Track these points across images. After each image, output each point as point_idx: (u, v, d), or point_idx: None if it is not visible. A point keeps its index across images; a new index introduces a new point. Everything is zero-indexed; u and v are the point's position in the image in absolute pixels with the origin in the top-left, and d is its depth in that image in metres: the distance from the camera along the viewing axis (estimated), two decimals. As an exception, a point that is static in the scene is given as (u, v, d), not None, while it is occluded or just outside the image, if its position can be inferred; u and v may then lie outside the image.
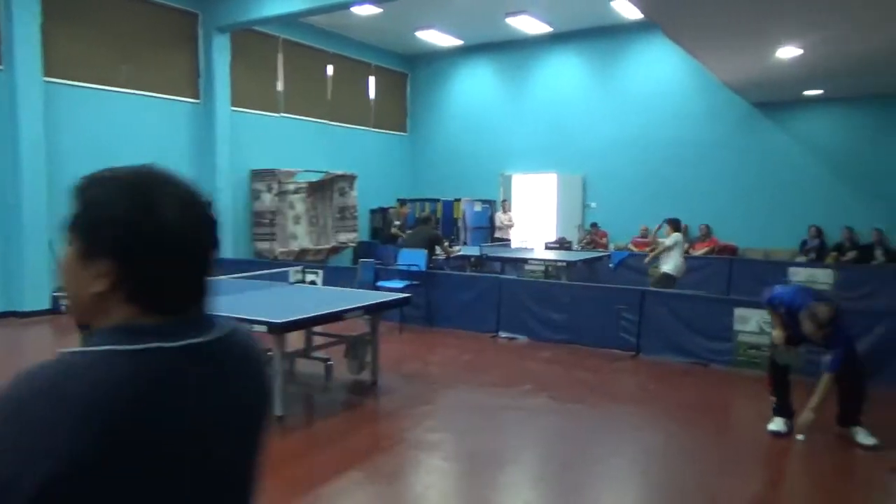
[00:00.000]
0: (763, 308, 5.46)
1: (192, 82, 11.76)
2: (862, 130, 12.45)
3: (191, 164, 11.40)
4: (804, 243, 12.29)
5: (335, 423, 5.15)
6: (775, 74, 9.99)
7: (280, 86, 13.51)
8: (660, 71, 13.72)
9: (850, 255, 11.60)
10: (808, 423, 4.54)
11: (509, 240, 14.08)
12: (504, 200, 14.92)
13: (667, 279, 8.46)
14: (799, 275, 9.77)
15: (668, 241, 8.59)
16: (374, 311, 5.85)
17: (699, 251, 12.68)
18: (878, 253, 11.35)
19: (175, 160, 10.80)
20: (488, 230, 14.86)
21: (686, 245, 12.97)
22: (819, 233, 12.18)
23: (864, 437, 4.58)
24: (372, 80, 15.95)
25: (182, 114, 11.60)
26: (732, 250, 12.79)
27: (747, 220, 13.08)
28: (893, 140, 12.10)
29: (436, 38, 14.77)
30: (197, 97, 11.81)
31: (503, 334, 8.05)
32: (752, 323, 6.55)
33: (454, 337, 8.09)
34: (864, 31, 7.46)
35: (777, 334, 4.89)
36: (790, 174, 12.85)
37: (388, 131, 16.52)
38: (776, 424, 4.84)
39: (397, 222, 12.90)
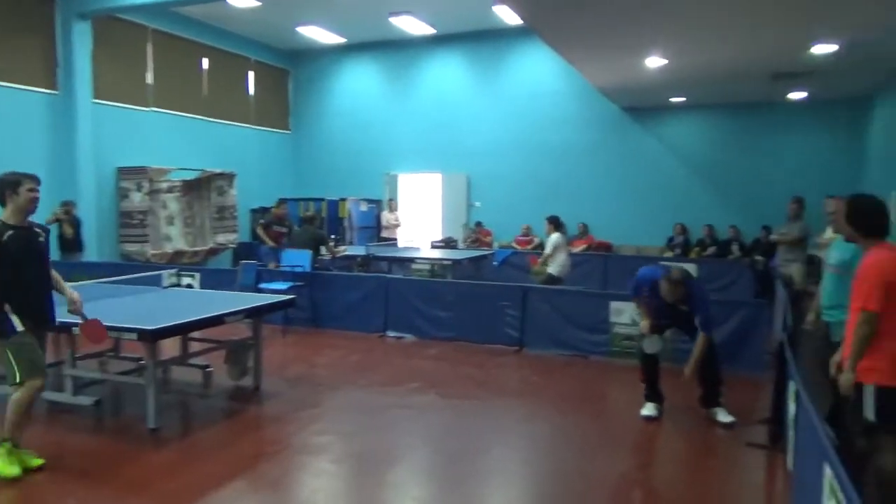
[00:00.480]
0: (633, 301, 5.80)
1: (48, 72, 10.79)
2: (720, 135, 13.60)
3: (48, 160, 10.47)
4: (671, 239, 13.24)
5: (215, 432, 4.89)
6: (644, 82, 10.66)
7: (150, 78, 12.71)
8: (540, 76, 14.24)
9: (711, 250, 12.64)
10: (690, 374, 4.97)
11: (396, 239, 14.08)
12: (390, 200, 14.90)
13: (552, 280, 8.73)
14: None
15: (548, 249, 8.76)
16: (256, 314, 5.62)
17: (577, 248, 13.31)
18: (735, 248, 12.44)
19: (29, 155, 9.87)
20: (375, 230, 14.78)
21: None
22: (684, 230, 13.17)
23: (723, 416, 5.03)
24: (252, 75, 15.38)
25: (37, 105, 10.62)
26: (607, 247, 13.55)
27: (620, 218, 13.89)
28: (747, 144, 13.32)
29: (318, 34, 14.49)
30: (54, 88, 10.85)
31: (391, 334, 8.02)
32: (625, 315, 6.94)
33: (341, 338, 7.96)
34: (719, 44, 8.14)
35: (644, 324, 5.22)
36: (658, 176, 13.79)
37: (269, 129, 15.99)
38: (648, 409, 5.18)
39: (262, 221, 11.14)
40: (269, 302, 5.91)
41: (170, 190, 12.31)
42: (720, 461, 4.50)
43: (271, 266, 9.07)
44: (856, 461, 3.36)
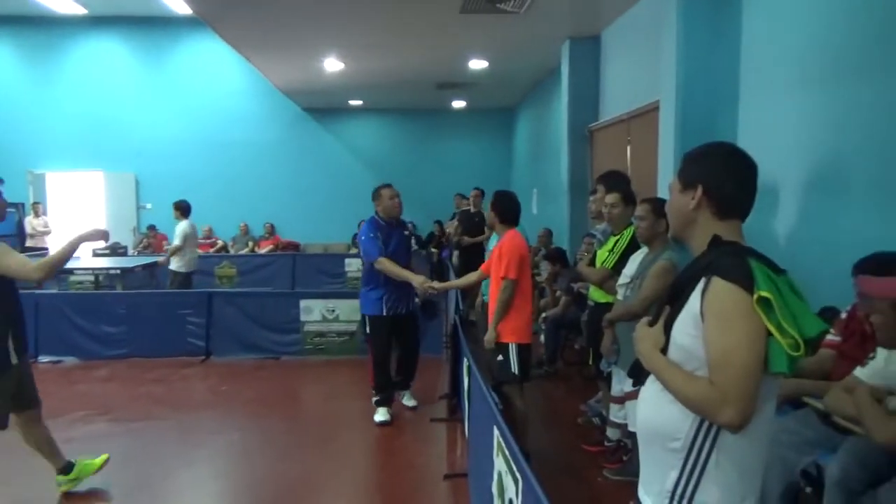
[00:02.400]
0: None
1: None
2: (396, 137, 14.60)
3: None
4: (355, 237, 13.73)
5: None
6: (323, 84, 10.84)
7: None
8: (217, 71, 13.53)
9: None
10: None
11: (46, 248, 12.01)
12: (36, 203, 12.62)
13: (183, 280, 8.04)
14: (352, 265, 10.82)
15: (176, 240, 8.02)
16: None
17: (264, 249, 13.02)
18: (413, 241, 13.41)
19: None
20: (16, 238, 12.40)
21: (252, 243, 13.16)
22: (366, 227, 13.79)
23: (408, 400, 5.36)
24: None
25: None
26: (295, 246, 13.51)
27: (307, 217, 13.97)
28: (419, 146, 14.57)
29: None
30: None
31: (44, 359, 6.82)
32: (315, 312, 6.98)
33: (-26, 371, 6.48)
34: (389, 53, 8.66)
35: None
36: (341, 175, 14.20)
37: None
38: (381, 415, 5.00)
39: None
40: None
41: None
42: (409, 439, 4.78)
43: None
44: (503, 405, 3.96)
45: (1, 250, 3.37)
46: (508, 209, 4.18)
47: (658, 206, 3.46)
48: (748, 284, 1.40)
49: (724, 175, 1.56)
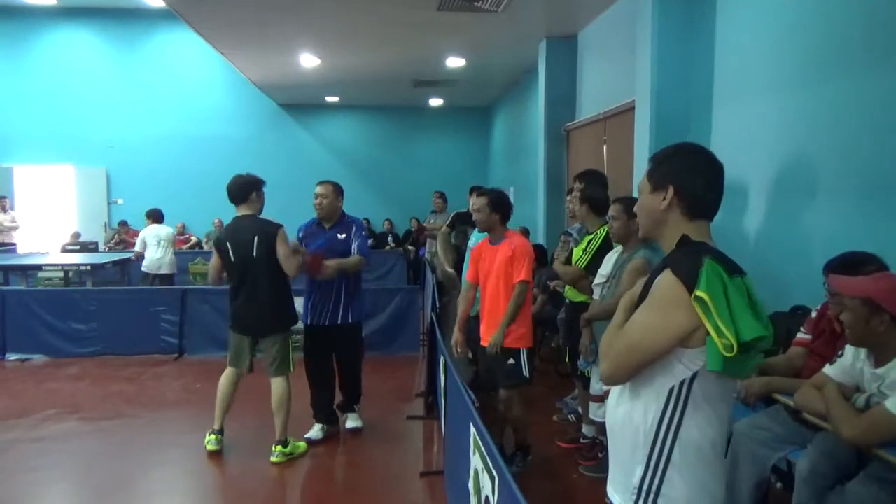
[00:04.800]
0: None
1: None
2: (373, 135, 14.53)
3: None
4: (331, 235, 13.69)
5: None
6: (299, 79, 10.75)
7: None
8: (191, 65, 13.33)
9: (369, 242, 13.43)
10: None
11: (14, 244, 11.73)
12: (2, 197, 12.30)
13: (151, 278, 8.39)
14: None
15: (137, 246, 8.37)
16: None
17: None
18: (389, 239, 13.45)
19: None
20: (-17, 234, 12.10)
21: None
22: (343, 224, 13.74)
23: (351, 422, 4.75)
24: None
25: None
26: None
27: (282, 213, 13.57)
28: (396, 144, 14.53)
29: None
30: None
31: (12, 357, 6.68)
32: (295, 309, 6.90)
33: (-63, 369, 6.33)
34: (365, 49, 8.62)
35: None
36: (317, 172, 13.92)
37: None
38: (311, 432, 4.61)
39: None
40: None
41: None
42: (385, 437, 4.75)
43: None
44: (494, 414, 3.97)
45: None
46: (510, 208, 4.05)
47: (630, 205, 3.49)
48: (690, 282, 1.44)
49: (694, 176, 1.59)
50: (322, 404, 4.65)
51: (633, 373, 1.53)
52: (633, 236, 3.54)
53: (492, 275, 3.87)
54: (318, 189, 4.65)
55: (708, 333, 1.42)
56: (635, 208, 1.73)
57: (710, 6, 4.54)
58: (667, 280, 1.49)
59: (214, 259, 4.35)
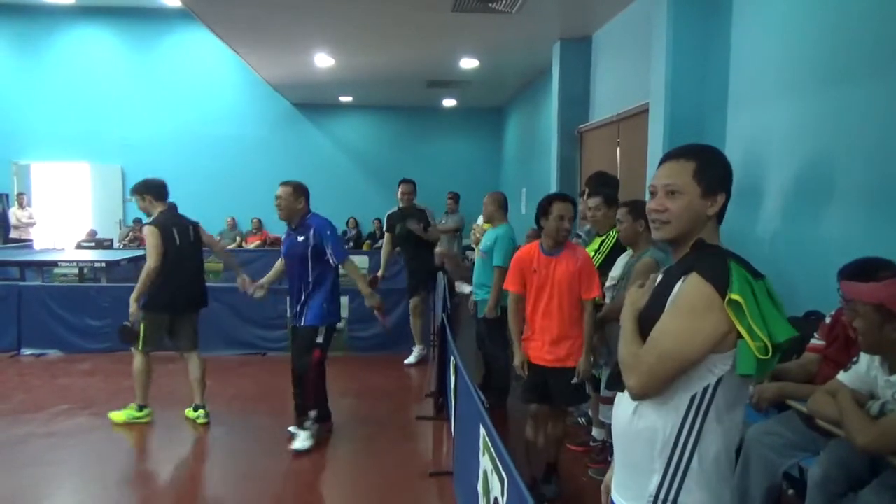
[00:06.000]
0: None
1: None
2: (386, 135, 14.56)
3: None
4: (344, 233, 13.71)
5: None
6: (313, 79, 10.79)
7: None
8: (206, 64, 13.43)
9: (381, 243, 13.43)
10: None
11: (31, 240, 11.88)
12: (20, 194, 12.47)
13: None
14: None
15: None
16: None
17: (251, 244, 12.96)
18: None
19: None
20: (1, 230, 12.26)
21: (239, 238, 13.10)
22: (356, 224, 13.78)
23: (295, 443, 4.38)
24: None
25: None
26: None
27: (294, 214, 13.87)
28: (409, 144, 14.54)
29: None
30: None
31: (27, 351, 6.75)
32: (302, 308, 6.94)
33: (-47, 363, 6.41)
34: (379, 50, 8.64)
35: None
36: (330, 172, 14.13)
37: None
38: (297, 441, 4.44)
39: None
40: None
41: None
42: (395, 437, 4.76)
43: None
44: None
45: None
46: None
47: (635, 208, 3.52)
48: (722, 285, 1.43)
49: (731, 183, 1.61)
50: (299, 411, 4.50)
51: (667, 384, 1.48)
52: (640, 238, 3.54)
53: (548, 287, 3.50)
54: (277, 190, 4.52)
55: (739, 337, 1.41)
56: (677, 208, 1.57)
57: (726, 9, 4.51)
58: (696, 284, 1.46)
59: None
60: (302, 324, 4.39)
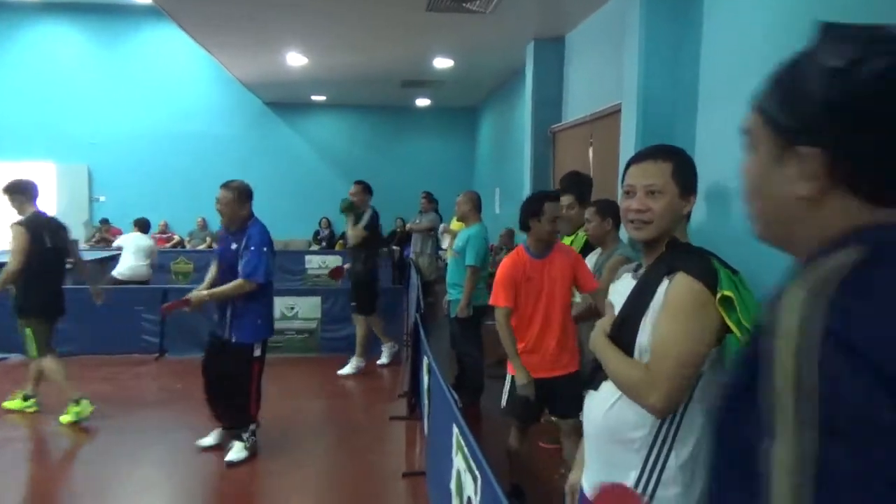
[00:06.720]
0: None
1: None
2: (359, 134, 14.48)
3: None
4: (317, 233, 13.61)
5: None
6: (286, 77, 10.68)
7: None
8: (176, 61, 13.21)
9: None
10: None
11: (-6, 241, 11.55)
12: (-16, 193, 12.14)
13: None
14: (313, 262, 10.71)
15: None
16: None
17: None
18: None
19: None
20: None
21: (209, 239, 12.88)
22: (329, 224, 13.67)
23: (232, 453, 4.17)
24: None
25: None
26: (254, 243, 13.29)
27: (268, 213, 13.59)
28: (383, 143, 14.49)
29: None
30: None
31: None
32: (275, 310, 6.83)
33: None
34: (352, 49, 8.57)
35: None
36: (303, 171, 14.03)
37: None
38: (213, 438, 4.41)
39: None
40: None
41: None
42: (367, 437, 4.73)
43: None
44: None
45: None
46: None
47: (602, 207, 3.57)
48: (712, 282, 1.47)
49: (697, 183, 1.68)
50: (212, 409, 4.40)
51: (688, 389, 1.48)
52: (608, 236, 3.58)
53: (545, 292, 3.30)
54: (218, 194, 4.24)
55: (728, 332, 1.45)
56: (658, 207, 1.59)
57: (697, 10, 4.56)
58: (686, 284, 1.48)
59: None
60: (233, 340, 4.12)
